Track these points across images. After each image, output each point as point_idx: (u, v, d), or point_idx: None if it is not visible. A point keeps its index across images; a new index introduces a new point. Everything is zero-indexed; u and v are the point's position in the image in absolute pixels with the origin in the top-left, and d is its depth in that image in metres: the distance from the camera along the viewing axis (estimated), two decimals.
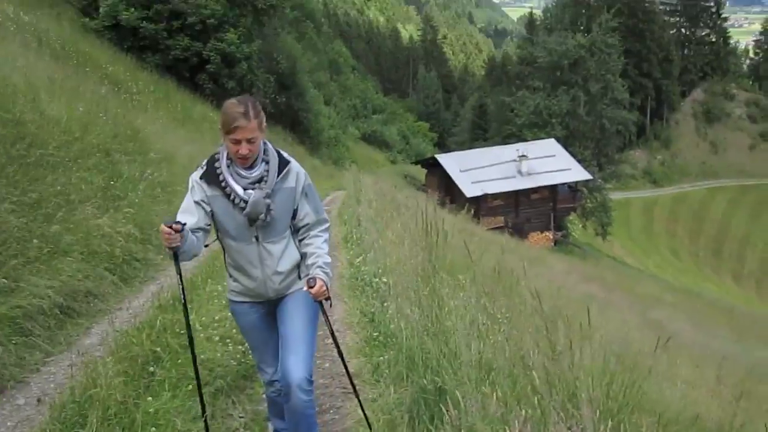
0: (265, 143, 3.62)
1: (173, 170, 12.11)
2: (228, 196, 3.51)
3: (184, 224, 3.38)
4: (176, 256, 3.49)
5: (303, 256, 3.77)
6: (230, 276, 3.80)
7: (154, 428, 3.71)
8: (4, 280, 5.01)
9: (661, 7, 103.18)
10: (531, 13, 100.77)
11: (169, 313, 5.27)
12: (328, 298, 3.57)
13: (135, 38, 27.28)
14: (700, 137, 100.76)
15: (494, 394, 2.99)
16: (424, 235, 5.55)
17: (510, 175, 45.24)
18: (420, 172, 53.83)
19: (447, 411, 3.11)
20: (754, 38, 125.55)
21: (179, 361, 4.52)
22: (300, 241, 3.79)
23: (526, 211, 46.49)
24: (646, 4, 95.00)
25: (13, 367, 4.47)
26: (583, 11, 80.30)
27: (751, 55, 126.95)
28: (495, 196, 44.55)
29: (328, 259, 3.71)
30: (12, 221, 5.74)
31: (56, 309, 5.35)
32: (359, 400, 3.88)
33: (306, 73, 46.09)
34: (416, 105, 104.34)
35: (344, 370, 3.92)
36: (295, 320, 3.73)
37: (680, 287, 52.06)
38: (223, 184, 3.51)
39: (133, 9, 26.66)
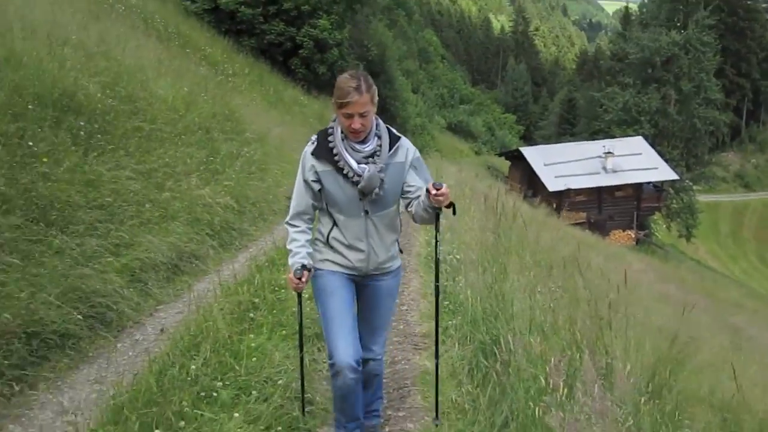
0: (376, 118, 3.69)
1: (266, 150, 12.91)
2: (341, 170, 3.58)
3: (311, 270, 3.65)
4: (300, 295, 3.83)
5: (402, 231, 3.95)
6: (330, 247, 3.79)
7: (255, 358, 4.33)
8: (125, 236, 5.79)
9: (764, 5, 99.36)
10: (627, 8, 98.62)
11: (265, 272, 5.96)
12: (451, 204, 3.59)
13: (232, 22, 28.38)
14: None
15: (539, 341, 3.51)
16: (496, 220, 6.01)
17: (594, 171, 44.76)
18: (504, 164, 53.72)
19: (499, 353, 3.65)
20: None
21: (274, 311, 5.19)
22: (407, 207, 3.82)
23: (609, 208, 45.94)
24: (749, 2, 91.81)
25: (130, 311, 5.21)
26: (681, 7, 77.96)
27: None
28: (578, 191, 44.20)
29: None
30: (131, 186, 6.54)
31: (167, 264, 6.11)
32: (437, 348, 4.03)
33: (395, 61, 46.65)
34: (504, 97, 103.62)
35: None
36: (383, 308, 3.93)
37: (766, 295, 50.69)
38: (336, 158, 3.58)
39: None
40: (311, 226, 3.82)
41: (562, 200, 43.61)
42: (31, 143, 6.00)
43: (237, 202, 8.66)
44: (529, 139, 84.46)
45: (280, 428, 3.73)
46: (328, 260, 3.80)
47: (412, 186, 3.71)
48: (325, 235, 3.78)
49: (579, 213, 44.22)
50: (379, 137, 3.66)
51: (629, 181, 45.32)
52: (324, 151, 3.60)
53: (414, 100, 55.33)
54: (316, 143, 3.65)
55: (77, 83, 7.77)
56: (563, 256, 7.60)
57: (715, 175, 74.81)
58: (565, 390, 3.01)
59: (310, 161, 3.64)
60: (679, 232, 57.27)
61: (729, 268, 68.70)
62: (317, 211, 3.80)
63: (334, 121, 3.66)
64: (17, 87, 6.67)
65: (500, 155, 56.18)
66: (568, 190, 43.28)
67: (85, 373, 4.37)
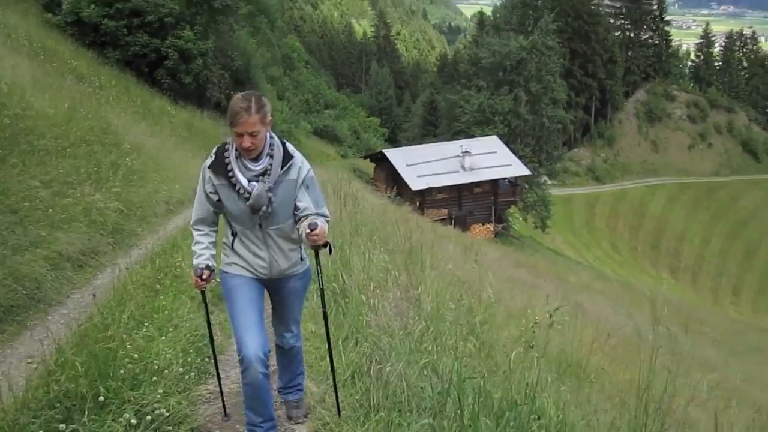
0: (271, 136, 3.90)
1: (143, 159, 13.95)
2: (233, 186, 3.81)
3: (213, 270, 3.97)
4: (203, 293, 4.20)
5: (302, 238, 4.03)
6: (234, 252, 4.04)
7: (166, 311, 5.65)
8: (42, 233, 6.94)
9: (606, 10, 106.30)
10: (481, 12, 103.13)
11: (163, 257, 7.25)
12: (326, 244, 3.80)
13: (96, 34, 28.62)
14: (642, 136, 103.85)
15: (371, 284, 5.07)
16: (346, 208, 7.53)
17: (454, 170, 47.48)
18: (369, 167, 55.55)
19: (345, 301, 5.20)
20: (696, 42, 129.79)
21: (174, 284, 6.52)
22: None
23: (469, 204, 48.80)
24: (592, 7, 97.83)
25: (53, 292, 6.40)
26: (530, 12, 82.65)
27: (692, 57, 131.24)
28: (439, 189, 46.78)
29: (327, 216, 4.09)
30: (38, 194, 7.67)
31: (75, 257, 7.31)
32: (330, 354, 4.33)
33: (260, 69, 47.40)
34: (369, 100, 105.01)
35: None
36: (292, 307, 4.26)
37: (614, 278, 54.78)
38: (230, 174, 3.81)
39: (94, 5, 27.96)
40: (215, 229, 4.07)
41: (424, 198, 46.01)
42: None
43: (125, 207, 9.82)
44: (394, 142, 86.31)
45: (191, 351, 5.08)
46: (234, 263, 4.05)
47: (301, 204, 3.94)
48: (230, 241, 4.04)
49: (441, 210, 46.75)
50: (271, 156, 3.86)
51: (486, 178, 48.30)
52: (220, 166, 3.83)
53: (280, 106, 56.11)
54: (213, 157, 3.88)
55: None
56: (414, 242, 9.15)
57: (563, 171, 79.75)
58: (378, 303, 4.61)
59: (208, 174, 3.89)
60: (535, 223, 61.00)
61: (583, 256, 73.39)
62: (220, 216, 4.07)
63: (231, 137, 3.86)
64: None
65: (365, 158, 57.94)
66: (430, 188, 45.69)
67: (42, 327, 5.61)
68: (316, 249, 3.86)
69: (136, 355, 4.32)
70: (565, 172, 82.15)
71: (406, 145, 65.87)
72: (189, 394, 4.56)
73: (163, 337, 4.93)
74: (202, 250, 3.97)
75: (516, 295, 13.63)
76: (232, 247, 4.04)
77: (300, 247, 4.14)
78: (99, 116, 14.82)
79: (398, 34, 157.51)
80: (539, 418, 3.40)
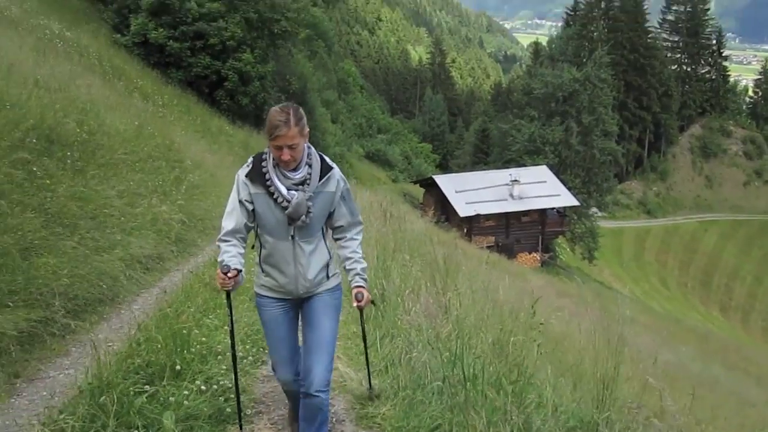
0: (309, 147, 3.87)
1: (203, 176, 14.86)
2: (272, 194, 3.77)
3: (239, 271, 3.78)
4: (228, 294, 4.00)
5: (337, 257, 4.15)
6: (262, 271, 4.00)
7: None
8: (117, 237, 7.76)
9: (663, 43, 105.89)
10: (536, 43, 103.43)
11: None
12: (373, 302, 4.07)
13: (161, 55, 29.93)
14: (696, 171, 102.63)
15: (406, 291, 5.74)
16: (390, 227, 8.21)
17: (502, 198, 48.00)
18: (419, 192, 56.32)
19: (384, 305, 5.86)
20: (755, 78, 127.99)
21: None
22: (336, 240, 4.15)
23: (516, 232, 49.21)
24: (649, 40, 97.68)
25: (125, 291, 7.20)
26: (586, 44, 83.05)
27: (751, 93, 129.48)
28: (487, 216, 47.32)
29: (365, 264, 4.12)
30: (112, 203, 8.51)
31: (144, 261, 8.12)
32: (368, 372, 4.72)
33: (315, 92, 48.57)
34: (421, 126, 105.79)
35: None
36: (322, 325, 4.01)
37: (662, 313, 54.28)
38: (268, 183, 3.77)
39: (161, 28, 29.39)
40: (244, 245, 3.94)
41: (472, 225, 46.53)
42: (35, 168, 7.89)
43: (187, 218, 10.65)
44: (445, 168, 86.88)
45: (248, 341, 5.76)
46: (263, 285, 4.03)
47: (338, 215, 4.02)
48: (259, 258, 4.00)
49: (488, 237, 47.18)
50: (310, 166, 3.84)
51: (534, 207, 48.66)
52: (257, 175, 3.80)
53: (333, 129, 57.29)
54: (251, 166, 3.85)
55: (56, 119, 9.69)
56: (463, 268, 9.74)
57: (618, 203, 79.39)
58: (411, 306, 5.28)
59: (244, 181, 3.84)
60: (582, 254, 60.93)
61: (631, 289, 72.77)
62: (250, 232, 3.97)
63: (269, 147, 3.85)
64: (10, 123, 8.56)
65: (415, 183, 58.75)
66: (478, 215, 46.20)
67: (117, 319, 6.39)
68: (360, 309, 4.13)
69: (204, 338, 5.04)
70: (615, 204, 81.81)
71: (456, 171, 66.45)
72: (247, 374, 5.25)
73: (225, 327, 5.62)
74: (230, 257, 3.81)
75: (553, 319, 14.05)
76: (259, 263, 4.02)
77: (329, 263, 4.06)
78: (164, 134, 15.77)
79: (453, 61, 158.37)
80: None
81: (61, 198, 7.54)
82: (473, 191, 47.66)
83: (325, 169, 3.90)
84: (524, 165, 56.68)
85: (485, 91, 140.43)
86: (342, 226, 4.06)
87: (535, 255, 49.63)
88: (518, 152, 62.90)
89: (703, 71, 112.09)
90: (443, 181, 50.00)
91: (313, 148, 3.91)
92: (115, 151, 10.83)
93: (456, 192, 47.45)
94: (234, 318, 4.20)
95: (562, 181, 52.63)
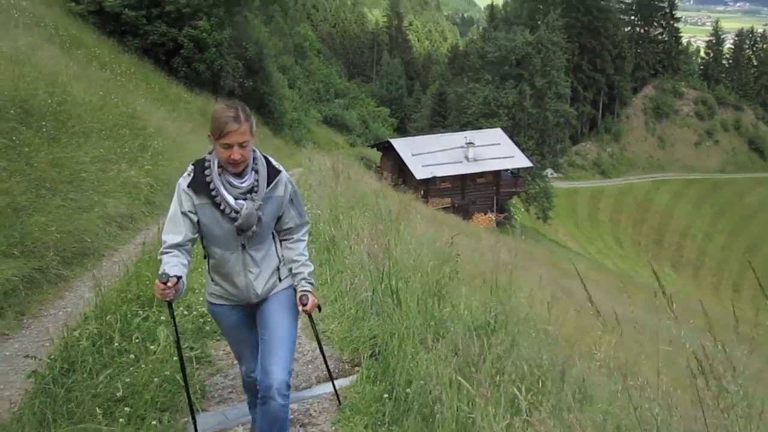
0: (254, 151, 3.63)
1: (165, 142, 15.55)
2: (218, 205, 3.54)
3: (179, 278, 3.45)
4: (170, 304, 3.58)
5: (283, 259, 3.91)
6: (212, 280, 3.83)
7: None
8: (94, 198, 8.57)
9: (616, 5, 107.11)
10: (492, 6, 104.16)
11: None
12: (319, 307, 3.86)
13: (117, 23, 30.06)
14: (649, 132, 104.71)
15: (352, 236, 6.68)
16: (342, 185, 9.11)
17: (458, 161, 49.05)
18: (376, 155, 57.06)
19: (334, 249, 6.82)
20: (707, 39, 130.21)
21: None
22: (282, 241, 3.91)
23: (472, 194, 50.37)
24: (602, 3, 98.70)
25: (104, 246, 8.03)
26: (540, 7, 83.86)
27: (702, 55, 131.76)
28: (443, 179, 48.36)
29: (312, 267, 3.92)
30: (87, 168, 9.28)
31: (119, 219, 8.95)
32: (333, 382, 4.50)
33: (272, 58, 48.79)
34: (379, 90, 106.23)
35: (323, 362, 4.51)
36: (277, 324, 3.80)
37: (614, 270, 55.98)
38: (213, 192, 3.53)
39: None
40: (189, 257, 3.65)
41: (429, 187, 47.59)
42: (14, 138, 8.63)
43: (154, 182, 11.43)
44: (403, 131, 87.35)
45: None
46: (213, 293, 3.85)
47: (286, 219, 3.84)
48: (208, 267, 3.82)
49: (444, 199, 48.28)
50: (257, 171, 3.65)
51: (489, 169, 49.81)
52: (200, 184, 3.54)
53: (290, 95, 57.50)
54: (192, 175, 3.58)
55: (28, 91, 10.39)
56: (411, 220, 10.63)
57: (573, 164, 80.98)
58: (356, 248, 6.28)
59: (186, 193, 3.56)
60: (537, 214, 62.48)
61: (585, 248, 74.63)
62: (195, 243, 3.71)
63: (211, 153, 3.61)
64: None
65: (372, 146, 59.42)
66: (434, 177, 47.23)
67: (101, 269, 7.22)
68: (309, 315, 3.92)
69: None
70: (570, 165, 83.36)
71: (414, 135, 67.29)
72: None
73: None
74: (171, 266, 3.49)
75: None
76: (209, 274, 3.84)
77: (279, 267, 3.89)
78: (126, 103, 16.39)
79: (410, 24, 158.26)
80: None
81: (42, 164, 8.31)
82: (429, 154, 48.60)
83: (273, 174, 3.70)
84: (481, 128, 57.65)
85: (442, 54, 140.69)
86: (290, 227, 3.87)
87: (490, 215, 50.84)
88: (474, 115, 63.97)
89: (656, 33, 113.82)
90: (400, 144, 50.81)
91: (258, 151, 3.70)
92: (84, 121, 11.53)
93: (412, 155, 48.34)
94: (178, 327, 3.95)
95: (516, 143, 53.86)
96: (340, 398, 4.61)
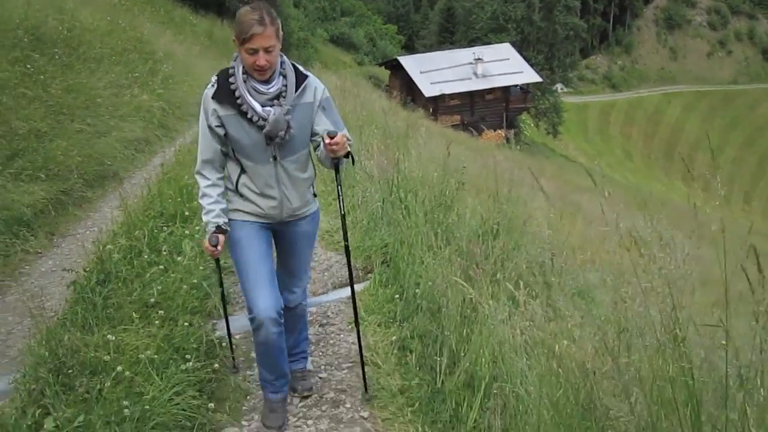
0: (281, 56, 3.41)
1: (175, 66, 15.67)
2: (245, 114, 3.35)
3: (226, 230, 3.46)
4: (218, 261, 3.75)
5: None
6: (241, 196, 3.56)
7: None
8: (110, 123, 8.83)
9: None
10: None
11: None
12: (348, 155, 3.49)
13: None
14: (660, 44, 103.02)
15: (363, 152, 6.94)
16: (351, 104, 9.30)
17: (466, 77, 48.65)
18: (384, 74, 56.61)
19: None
20: None
21: None
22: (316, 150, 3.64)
23: (481, 110, 50.05)
24: None
25: (123, 169, 8.33)
26: None
27: None
28: (452, 96, 48.06)
29: (350, 139, 3.58)
30: (101, 93, 9.50)
31: (135, 142, 9.23)
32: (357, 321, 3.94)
33: None
34: (386, 7, 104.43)
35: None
36: (302, 253, 3.83)
37: (624, 184, 55.99)
38: (239, 101, 3.34)
39: None
40: (222, 175, 3.57)
41: (437, 105, 47.39)
42: (29, 65, 8.84)
43: (167, 106, 11.66)
44: (411, 49, 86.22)
45: None
46: (239, 209, 3.59)
47: (319, 128, 3.50)
48: (234, 182, 3.55)
49: (454, 116, 48.08)
50: (285, 77, 3.42)
51: (498, 85, 49.44)
52: (225, 95, 3.36)
53: (296, 14, 56.82)
54: (216, 86, 3.39)
55: (38, 18, 10.54)
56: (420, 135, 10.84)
57: (583, 77, 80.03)
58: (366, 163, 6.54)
59: (212, 105, 3.37)
60: (547, 130, 62.19)
61: (595, 162, 74.54)
62: (226, 157, 3.54)
63: (236, 60, 3.40)
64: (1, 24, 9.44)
65: (380, 65, 58.88)
66: (443, 95, 46.98)
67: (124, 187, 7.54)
68: (337, 162, 3.52)
69: None
70: (580, 80, 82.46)
71: (422, 52, 66.46)
72: None
73: None
74: (211, 204, 3.48)
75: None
76: (236, 190, 3.55)
77: (312, 184, 3.73)
78: (134, 27, 16.44)
79: None
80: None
81: (58, 90, 8.54)
82: (438, 71, 48.16)
83: (301, 78, 3.46)
84: (489, 43, 56.86)
85: None
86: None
87: (499, 132, 50.66)
88: (482, 30, 63.00)
89: None
90: (408, 62, 50.32)
91: (285, 57, 3.45)
92: (94, 46, 11.68)
93: (421, 72, 47.92)
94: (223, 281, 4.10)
95: (525, 57, 53.17)
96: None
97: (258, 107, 3.32)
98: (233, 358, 4.25)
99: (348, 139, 3.45)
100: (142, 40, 15.81)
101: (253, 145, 3.39)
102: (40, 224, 6.04)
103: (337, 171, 3.62)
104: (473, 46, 56.51)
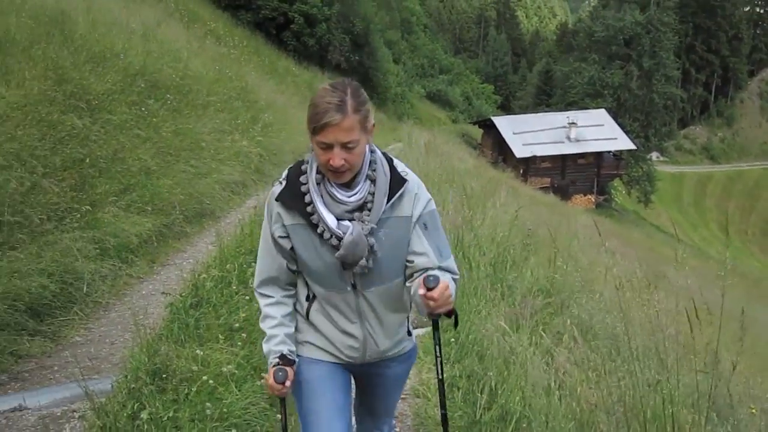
0: (373, 152, 2.52)
1: (275, 114, 16.63)
2: (314, 227, 2.46)
3: (294, 361, 2.61)
4: (283, 402, 2.69)
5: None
6: (311, 325, 2.71)
7: None
8: (212, 165, 9.60)
9: None
10: None
11: None
12: (451, 312, 2.47)
13: None
14: (764, 117, 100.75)
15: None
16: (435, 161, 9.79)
17: (559, 140, 48.79)
18: (477, 132, 57.24)
19: None
20: None
21: None
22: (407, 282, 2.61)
23: (572, 174, 49.97)
24: None
25: (219, 209, 9.05)
26: None
27: None
28: (543, 158, 48.24)
29: (456, 273, 2.65)
30: (205, 138, 10.34)
31: (232, 185, 9.99)
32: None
33: (378, 32, 49.66)
34: (484, 67, 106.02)
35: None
36: (391, 398, 3.02)
37: (717, 258, 54.27)
38: (309, 208, 2.44)
39: None
40: (290, 293, 2.72)
41: (528, 166, 47.62)
42: (143, 109, 9.72)
43: (264, 152, 12.47)
44: (507, 109, 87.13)
45: None
46: (309, 342, 2.73)
47: (416, 253, 2.53)
48: (305, 310, 2.71)
49: (544, 178, 48.19)
50: (373, 181, 2.48)
51: (591, 150, 49.36)
52: (294, 196, 2.48)
53: (395, 70, 58.26)
54: (284, 183, 2.53)
55: (155, 66, 11.55)
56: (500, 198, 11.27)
57: (682, 147, 78.76)
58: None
59: (276, 209, 2.53)
60: (638, 198, 61.41)
61: (689, 235, 72.61)
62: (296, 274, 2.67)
63: (311, 152, 2.47)
64: (122, 71, 10.41)
65: (474, 123, 59.60)
66: (534, 156, 47.21)
67: (220, 225, 8.22)
68: (435, 319, 2.55)
69: None
70: (678, 149, 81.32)
71: (518, 113, 66.97)
72: None
73: None
74: (274, 328, 2.65)
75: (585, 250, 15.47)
76: (307, 319, 2.70)
77: (408, 317, 2.82)
78: (239, 76, 17.53)
79: (519, 0, 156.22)
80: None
81: (168, 133, 9.38)
82: (531, 133, 48.51)
83: (397, 183, 2.50)
84: (585, 108, 56.95)
85: (551, 31, 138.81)
86: (424, 269, 2.50)
87: (589, 197, 50.40)
88: (579, 95, 63.26)
89: None
90: (501, 122, 50.88)
91: (378, 152, 2.55)
92: (202, 94, 12.66)
93: (514, 133, 48.36)
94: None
95: (620, 124, 52.99)
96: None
97: (331, 221, 2.44)
98: None
99: (453, 279, 2.58)
100: (246, 89, 16.85)
101: (325, 268, 2.52)
102: (144, 252, 6.73)
103: (435, 327, 2.63)
104: (569, 109, 56.71)
